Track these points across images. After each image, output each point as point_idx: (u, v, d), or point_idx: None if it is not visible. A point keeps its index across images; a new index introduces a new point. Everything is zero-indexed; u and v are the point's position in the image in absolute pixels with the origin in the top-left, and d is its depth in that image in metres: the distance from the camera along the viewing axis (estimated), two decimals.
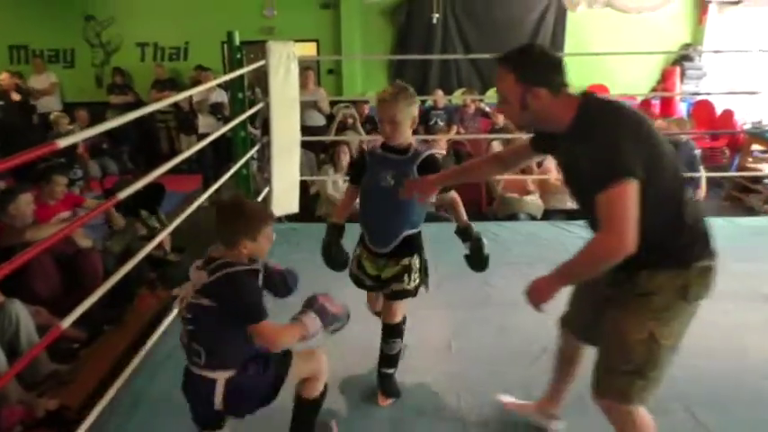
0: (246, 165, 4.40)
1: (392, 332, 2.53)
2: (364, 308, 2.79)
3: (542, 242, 4.27)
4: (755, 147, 7.24)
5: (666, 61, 9.24)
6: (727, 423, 2.43)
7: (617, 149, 1.63)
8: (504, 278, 3.70)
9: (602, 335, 1.92)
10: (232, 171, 4.02)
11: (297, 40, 8.62)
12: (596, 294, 1.97)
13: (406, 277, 2.45)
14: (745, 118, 7.74)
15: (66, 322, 2.14)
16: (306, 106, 6.93)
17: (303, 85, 7.03)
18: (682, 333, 1.85)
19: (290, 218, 4.58)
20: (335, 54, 9.28)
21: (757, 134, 7.12)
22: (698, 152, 5.74)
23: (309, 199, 5.64)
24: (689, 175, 5.54)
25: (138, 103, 8.33)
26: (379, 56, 9.50)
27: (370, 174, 2.44)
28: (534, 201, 5.40)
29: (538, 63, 1.77)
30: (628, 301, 1.83)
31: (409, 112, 2.34)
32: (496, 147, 6.12)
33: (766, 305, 3.37)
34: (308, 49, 9.36)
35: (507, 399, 2.53)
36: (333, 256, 2.57)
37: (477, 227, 4.62)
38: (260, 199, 4.38)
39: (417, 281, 2.49)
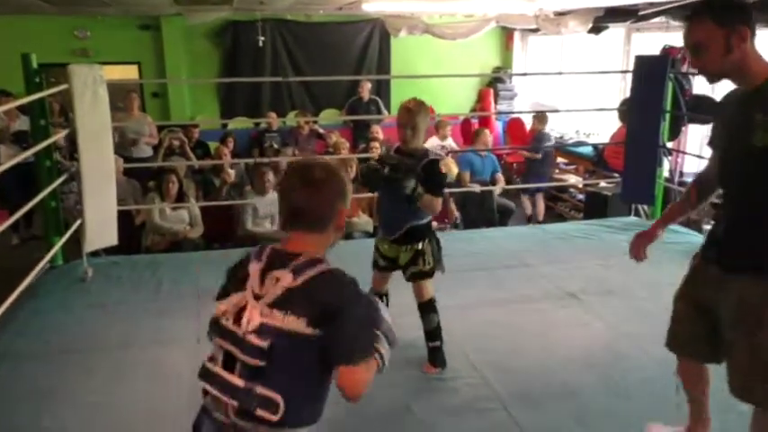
0: (54, 196, 4.03)
1: (425, 309, 2.91)
2: None
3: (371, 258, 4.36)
4: (560, 159, 8.07)
5: (482, 83, 10.01)
6: (540, 418, 2.59)
7: None
8: None
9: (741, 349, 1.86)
10: (34, 202, 3.66)
11: (116, 63, 8.30)
12: (700, 303, 1.99)
13: (420, 261, 2.84)
14: (549, 133, 8.59)
15: None
16: (130, 135, 6.52)
17: (128, 109, 6.62)
18: None
19: (110, 251, 4.27)
20: (160, 77, 8.88)
21: (560, 148, 7.95)
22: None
23: (134, 229, 5.30)
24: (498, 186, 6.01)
25: None
26: (205, 79, 9.24)
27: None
28: (363, 220, 5.58)
29: (735, 4, 1.78)
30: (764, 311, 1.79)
31: (426, 121, 2.84)
32: None
33: (572, 302, 3.72)
34: (129, 72, 8.87)
35: (656, 427, 2.41)
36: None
37: (334, 246, 4.64)
38: (71, 232, 4.03)
39: (431, 263, 2.86)
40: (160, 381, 2.86)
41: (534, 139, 7.28)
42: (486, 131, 6.63)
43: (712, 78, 1.86)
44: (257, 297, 1.34)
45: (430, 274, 2.88)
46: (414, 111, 2.77)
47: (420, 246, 2.84)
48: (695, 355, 2.10)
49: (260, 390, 1.31)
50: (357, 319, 1.35)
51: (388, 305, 3.07)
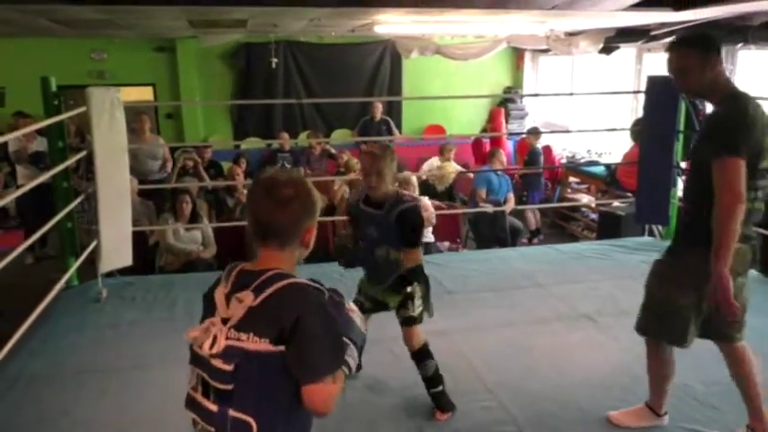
0: (71, 217, 4.08)
1: (419, 357, 2.72)
2: None
3: None
4: (572, 179, 8.05)
5: (493, 103, 10.05)
6: None
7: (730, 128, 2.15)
8: None
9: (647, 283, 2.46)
10: (51, 223, 3.70)
11: (131, 84, 8.42)
12: None
13: (409, 304, 2.66)
14: (561, 153, 8.59)
15: None
16: (144, 157, 6.59)
17: (139, 131, 6.68)
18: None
19: (124, 271, 4.29)
20: (174, 98, 9.00)
21: (572, 167, 7.94)
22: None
23: (148, 249, 5.33)
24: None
25: None
26: (219, 101, 9.34)
27: (360, 226, 2.74)
28: None
29: (709, 38, 2.31)
30: (678, 272, 2.33)
31: (392, 166, 2.63)
32: (338, 185, 6.26)
33: (586, 324, 3.68)
34: (145, 94, 9.00)
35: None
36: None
37: (323, 268, 4.64)
38: (87, 253, 4.06)
39: (420, 308, 2.69)
40: (173, 402, 2.83)
41: (530, 154, 7.61)
42: (501, 151, 6.66)
43: (692, 96, 2.44)
44: (225, 320, 1.34)
45: (419, 320, 2.69)
46: (378, 156, 2.58)
47: (409, 289, 2.65)
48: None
49: (232, 413, 1.31)
50: (317, 332, 1.31)
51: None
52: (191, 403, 1.40)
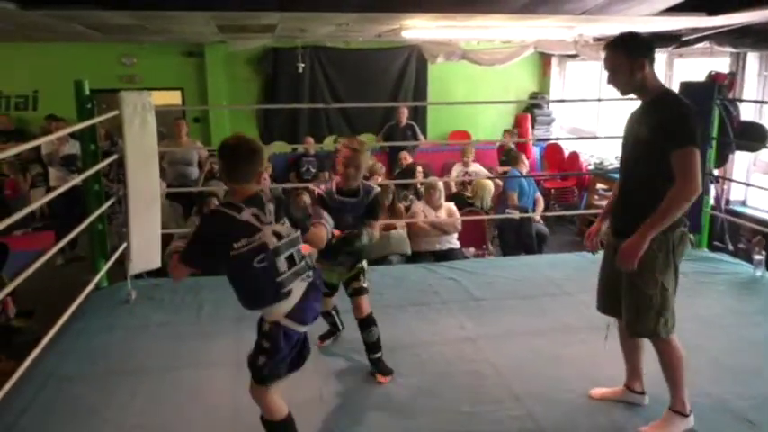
0: (102, 219, 4.13)
1: (367, 323, 3.06)
2: None
3: (411, 284, 4.34)
4: (599, 185, 7.96)
5: (519, 108, 9.98)
6: None
7: (687, 122, 2.31)
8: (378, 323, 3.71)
9: (626, 293, 2.51)
10: (83, 225, 3.75)
11: (160, 89, 8.53)
12: (612, 274, 2.58)
13: (361, 277, 3.09)
14: (589, 159, 8.49)
15: None
16: (181, 163, 6.69)
17: (176, 137, 6.76)
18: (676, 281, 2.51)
19: (152, 273, 4.33)
20: (202, 102, 9.10)
21: (600, 174, 7.84)
22: None
23: None
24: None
25: None
26: (246, 106, 9.42)
27: (333, 216, 2.86)
28: (400, 235, 5.44)
29: (639, 40, 2.43)
30: (640, 264, 2.38)
31: (366, 161, 3.01)
32: None
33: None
34: (173, 98, 9.12)
35: (596, 391, 2.91)
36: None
37: None
38: (117, 255, 4.12)
39: (367, 281, 3.12)
40: (200, 404, 2.87)
41: (507, 154, 7.89)
42: (522, 156, 6.60)
43: (623, 93, 2.48)
44: (266, 223, 2.17)
45: (367, 290, 3.09)
46: (358, 151, 2.89)
47: (361, 264, 3.09)
48: (615, 312, 2.67)
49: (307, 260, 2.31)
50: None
51: (340, 318, 3.40)
52: (284, 282, 2.16)
